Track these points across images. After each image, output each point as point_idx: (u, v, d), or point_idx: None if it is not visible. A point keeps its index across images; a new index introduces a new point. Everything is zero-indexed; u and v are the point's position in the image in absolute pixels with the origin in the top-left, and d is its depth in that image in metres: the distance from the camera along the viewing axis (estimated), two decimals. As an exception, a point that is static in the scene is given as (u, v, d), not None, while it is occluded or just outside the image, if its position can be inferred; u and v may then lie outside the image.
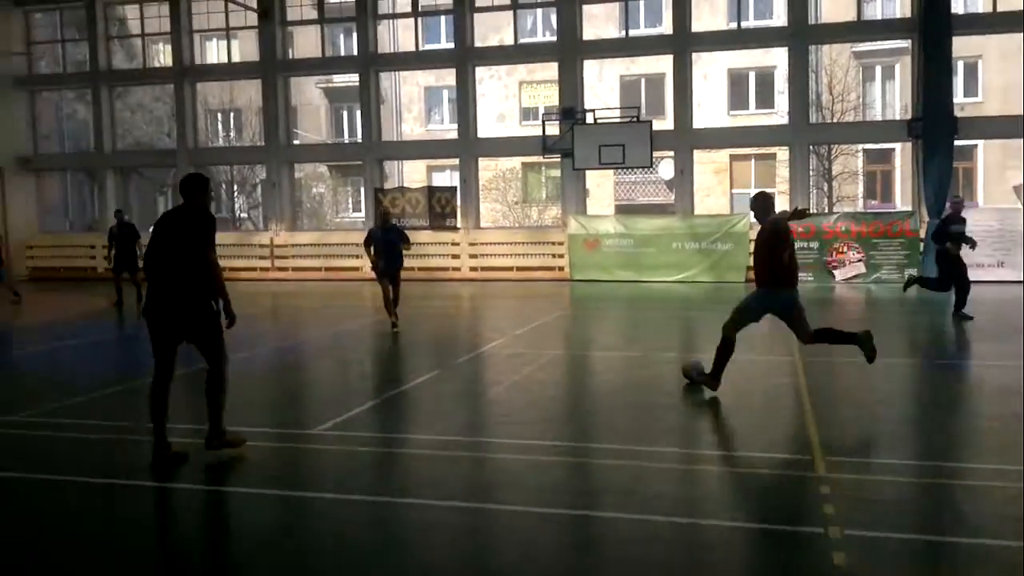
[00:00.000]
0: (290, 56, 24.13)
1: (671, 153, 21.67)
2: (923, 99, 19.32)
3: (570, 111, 21.06)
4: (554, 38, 22.83)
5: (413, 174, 30.07)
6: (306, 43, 25.17)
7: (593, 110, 21.06)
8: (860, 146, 27.86)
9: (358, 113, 24.26)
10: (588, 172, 22.70)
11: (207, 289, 5.85)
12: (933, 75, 19.10)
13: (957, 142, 19.43)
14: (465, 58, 22.21)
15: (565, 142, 20.70)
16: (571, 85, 21.38)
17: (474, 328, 14.32)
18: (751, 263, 13.93)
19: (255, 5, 23.27)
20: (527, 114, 30.76)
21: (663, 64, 23.61)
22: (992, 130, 21.67)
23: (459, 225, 22.33)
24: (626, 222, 21.42)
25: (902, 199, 26.70)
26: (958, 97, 21.84)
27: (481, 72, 24.04)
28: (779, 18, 26.15)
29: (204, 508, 5.42)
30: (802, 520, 4.79)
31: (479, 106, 23.11)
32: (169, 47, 24.85)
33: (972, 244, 12.80)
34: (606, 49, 23.39)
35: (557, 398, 8.39)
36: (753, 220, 10.99)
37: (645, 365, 9.66)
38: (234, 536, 5.00)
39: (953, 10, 19.56)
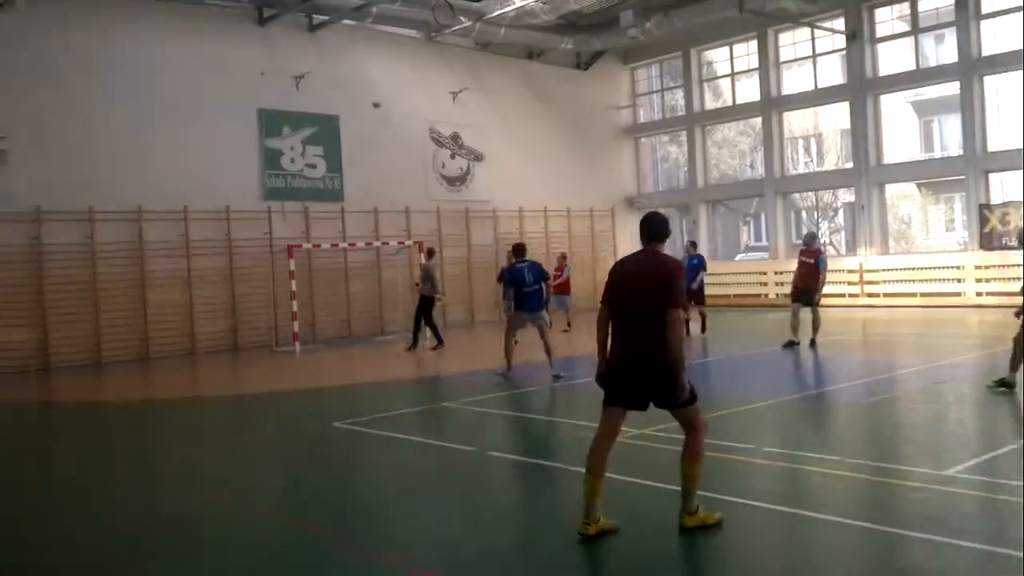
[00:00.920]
0: (879, 73, 23.19)
1: None
2: None
3: None
4: None
5: (1020, 186, 26.41)
6: (893, 58, 23.94)
7: None
8: None
9: (952, 125, 22.21)
10: None
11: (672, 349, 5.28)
12: None
13: None
14: (1096, 46, 18.88)
15: None
16: None
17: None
18: None
19: (843, 28, 22.96)
20: None
21: None
22: None
23: (1089, 242, 18.91)
24: None
25: None
26: None
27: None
28: None
29: None
30: None
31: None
32: (753, 81, 25.80)
33: None
34: None
35: None
36: None
37: None
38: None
39: None
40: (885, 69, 23.31)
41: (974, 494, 5.98)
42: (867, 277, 22.53)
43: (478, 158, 24.32)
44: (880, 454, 7.48)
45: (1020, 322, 9.26)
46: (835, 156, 30.16)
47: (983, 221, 21.01)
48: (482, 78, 24.38)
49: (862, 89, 22.96)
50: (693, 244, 18.73)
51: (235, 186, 19.66)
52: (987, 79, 21.59)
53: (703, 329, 17.23)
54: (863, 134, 23.06)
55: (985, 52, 21.37)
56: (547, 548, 5.39)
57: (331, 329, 20.75)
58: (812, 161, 32.25)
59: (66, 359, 17.27)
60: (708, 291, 18.43)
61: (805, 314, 14.34)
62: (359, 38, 21.97)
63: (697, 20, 23.05)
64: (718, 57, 27.81)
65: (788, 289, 23.99)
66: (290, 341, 18.65)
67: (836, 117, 28.16)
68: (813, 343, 13.98)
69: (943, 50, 24.41)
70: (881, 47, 23.34)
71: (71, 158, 17.58)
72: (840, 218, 32.83)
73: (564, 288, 19.47)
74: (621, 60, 27.98)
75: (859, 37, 22.76)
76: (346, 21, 21.16)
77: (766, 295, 24.46)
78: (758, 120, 25.93)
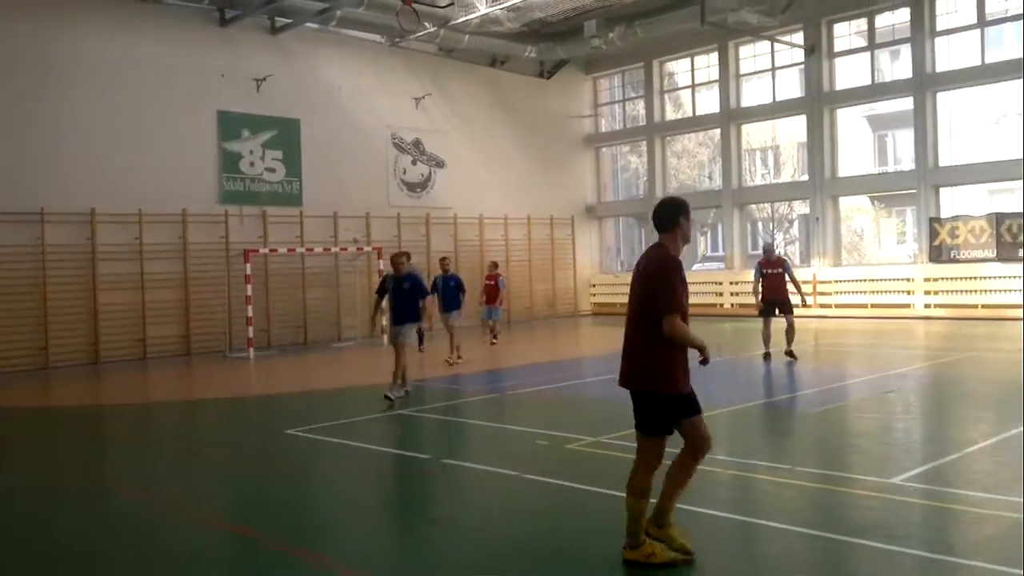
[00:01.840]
0: (836, 87, 23.62)
1: None
2: None
3: None
4: None
5: (970, 200, 27.05)
6: (849, 72, 24.38)
7: None
8: None
9: (905, 139, 22.70)
10: None
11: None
12: None
13: None
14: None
15: None
16: None
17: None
18: None
19: (802, 42, 23.35)
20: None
21: None
22: None
23: (1036, 256, 19.47)
24: None
25: None
26: None
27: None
28: None
29: None
30: None
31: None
32: (713, 93, 26.11)
33: None
34: None
35: None
36: None
37: None
38: None
39: None
40: (842, 83, 23.76)
41: (919, 502, 6.09)
42: (820, 288, 22.89)
43: (440, 164, 24.28)
44: (829, 462, 7.59)
45: None
46: (792, 168, 30.63)
47: (933, 234, 21.46)
48: (445, 84, 24.36)
49: (819, 103, 23.38)
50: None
51: (192, 189, 19.39)
52: (940, 95, 22.09)
53: None
54: (819, 147, 23.48)
55: (939, 68, 21.86)
56: (492, 558, 5.36)
57: (287, 335, 20.53)
58: (769, 173, 32.71)
59: (13, 364, 16.85)
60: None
61: (777, 324, 14.07)
62: (322, 42, 21.83)
63: (659, 32, 23.31)
64: (679, 68, 28.11)
65: (745, 300, 24.51)
66: (244, 347, 18.42)
67: (793, 130, 28.60)
68: (790, 353, 13.71)
69: (898, 66, 24.93)
70: (838, 62, 23.78)
71: (21, 158, 17.21)
72: (795, 230, 33.35)
73: (493, 298, 18.52)
74: (583, 70, 28.15)
75: (817, 51, 23.17)
76: (309, 24, 21.01)
77: (722, 304, 24.75)
78: (717, 132, 26.24)
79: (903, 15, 22.32)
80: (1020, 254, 19.64)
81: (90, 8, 18.33)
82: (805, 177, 24.86)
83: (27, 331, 17.22)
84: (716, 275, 26.42)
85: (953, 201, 23.55)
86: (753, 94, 26.31)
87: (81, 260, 17.94)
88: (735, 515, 5.97)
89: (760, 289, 14.28)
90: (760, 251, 16.06)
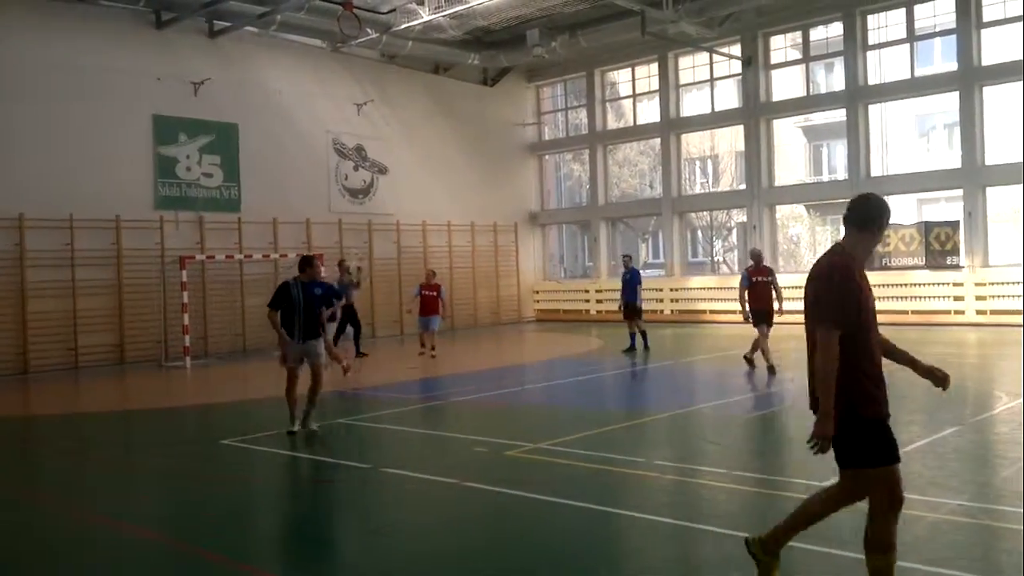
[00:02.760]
0: (772, 98, 24.13)
1: None
2: None
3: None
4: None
5: (901, 209, 27.87)
6: (785, 84, 24.96)
7: None
8: None
9: (839, 149, 23.30)
10: None
11: None
12: None
13: None
14: (971, 79, 20.18)
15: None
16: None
17: (981, 383, 12.65)
18: None
19: (740, 54, 23.81)
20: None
21: None
22: None
23: (963, 264, 20.12)
24: None
25: None
26: None
27: (991, 92, 21.48)
28: None
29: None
30: None
31: (986, 130, 20.72)
32: (654, 102, 26.45)
33: None
34: None
35: None
36: None
37: None
38: None
39: None
40: (778, 95, 24.28)
41: (857, 505, 6.17)
42: (759, 295, 23.26)
43: (382, 171, 24.12)
44: (764, 466, 7.71)
45: None
46: (730, 177, 31.15)
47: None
48: (388, 91, 24.22)
49: (756, 113, 23.87)
50: (628, 257, 18.16)
51: (126, 194, 18.91)
52: (872, 107, 22.73)
53: (646, 346, 17.06)
54: (756, 157, 23.96)
55: (871, 81, 22.50)
56: (435, 567, 5.32)
57: (225, 343, 20.13)
58: (708, 182, 33.21)
59: (-65, 373, 16.24)
60: (606, 307, 18.54)
61: (752, 332, 13.72)
62: (262, 46, 21.52)
63: (601, 41, 23.53)
64: (621, 78, 28.39)
65: (684, 306, 24.83)
66: (181, 356, 18.02)
67: (732, 139, 29.10)
68: (747, 359, 13.64)
69: (832, 78, 25.58)
70: (775, 73, 24.31)
71: (-55, 160, 16.62)
72: (733, 237, 33.91)
73: (431, 308, 17.37)
74: (526, 78, 28.27)
75: (754, 63, 23.66)
76: (249, 28, 20.70)
77: (662, 311, 25.03)
78: (657, 141, 26.58)
79: (837, 29, 22.93)
80: (948, 261, 20.28)
81: (16, 7, 17.77)
82: (743, 186, 25.32)
83: (-50, 340, 16.60)
84: (657, 282, 26.70)
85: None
86: (692, 104, 26.73)
87: (9, 266, 17.36)
88: (672, 519, 6.01)
89: (747, 298, 13.43)
90: (749, 258, 15.02)
